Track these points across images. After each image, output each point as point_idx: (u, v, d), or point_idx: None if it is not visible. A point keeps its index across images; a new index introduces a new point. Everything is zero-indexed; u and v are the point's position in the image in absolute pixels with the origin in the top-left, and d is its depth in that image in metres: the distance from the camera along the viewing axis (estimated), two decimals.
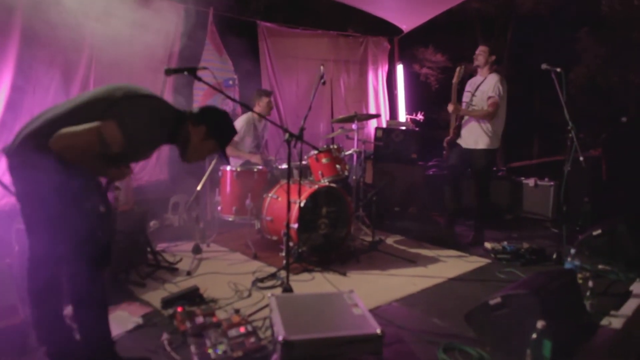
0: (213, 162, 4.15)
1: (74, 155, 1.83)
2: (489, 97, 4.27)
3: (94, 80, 4.65)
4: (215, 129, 2.12)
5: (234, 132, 2.24)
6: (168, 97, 5.15)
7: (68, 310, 2.11)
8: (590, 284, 2.80)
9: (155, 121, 1.99)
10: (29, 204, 1.95)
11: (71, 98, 2.04)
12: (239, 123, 4.56)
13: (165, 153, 5.21)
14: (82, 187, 1.89)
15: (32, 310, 2.08)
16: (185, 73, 2.30)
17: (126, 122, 1.87)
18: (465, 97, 4.54)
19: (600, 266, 3.57)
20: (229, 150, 4.51)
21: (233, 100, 3.00)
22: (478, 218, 4.57)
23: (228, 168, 4.13)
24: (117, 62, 4.59)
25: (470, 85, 4.55)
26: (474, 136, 4.40)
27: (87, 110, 1.89)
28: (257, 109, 4.62)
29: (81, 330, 2.02)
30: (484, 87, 4.34)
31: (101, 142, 1.83)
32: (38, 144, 1.81)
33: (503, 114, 4.39)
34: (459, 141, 4.52)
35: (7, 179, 3.93)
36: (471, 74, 4.73)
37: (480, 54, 4.39)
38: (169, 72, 2.35)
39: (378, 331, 2.02)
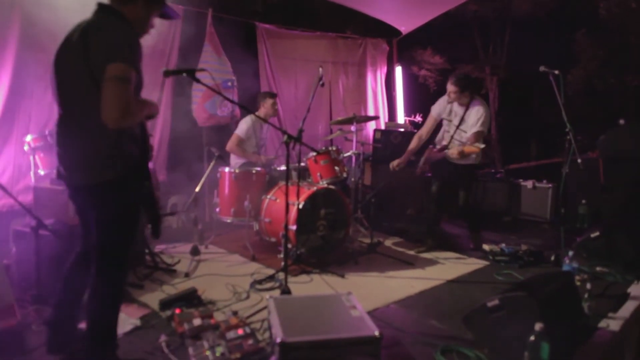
0: (212, 164, 4.15)
1: (132, 113, 1.82)
2: (477, 132, 3.92)
3: None
4: None
5: None
6: (167, 98, 5.15)
7: None
8: (588, 286, 2.81)
9: (122, 29, 1.90)
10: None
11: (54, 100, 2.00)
12: (245, 123, 4.57)
13: (163, 154, 5.20)
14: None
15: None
16: (184, 75, 2.30)
17: (115, 49, 1.80)
18: (446, 125, 4.25)
19: (598, 268, 3.58)
20: (235, 149, 4.53)
21: (231, 101, 3.00)
22: (475, 225, 4.47)
23: (227, 170, 4.13)
24: None
25: (446, 111, 4.21)
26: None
27: (81, 83, 1.84)
28: (262, 110, 4.62)
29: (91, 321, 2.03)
30: (470, 120, 4.00)
31: (128, 82, 1.79)
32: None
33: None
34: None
35: (4, 180, 3.93)
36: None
37: (452, 93, 4.03)
38: (167, 73, 2.36)
39: (376, 333, 2.02)
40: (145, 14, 2.03)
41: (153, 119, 2.08)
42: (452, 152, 3.81)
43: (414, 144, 4.41)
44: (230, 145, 4.56)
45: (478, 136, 3.90)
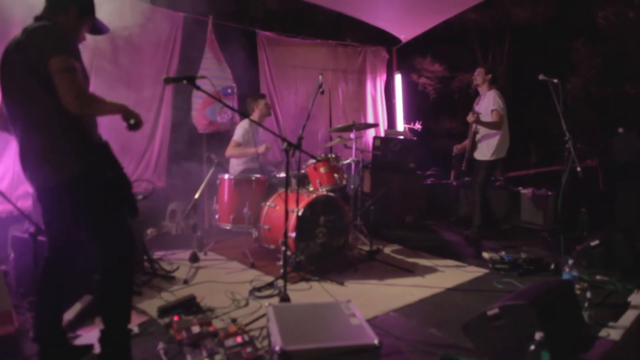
0: (211, 170, 4.15)
1: (88, 97, 1.91)
2: (492, 110, 4.54)
3: (92, 87, 4.66)
4: (81, 3, 2.11)
5: None
6: (167, 105, 5.16)
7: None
8: (588, 294, 2.80)
9: (53, 28, 1.96)
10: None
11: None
12: (242, 128, 4.58)
13: (163, 161, 5.21)
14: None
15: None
16: (185, 82, 2.31)
17: (51, 43, 1.87)
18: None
19: (598, 277, 3.57)
20: (234, 152, 4.54)
21: (231, 108, 3.01)
22: (477, 228, 4.65)
23: (226, 176, 4.13)
24: (117, 69, 4.62)
25: (476, 104, 4.84)
26: (481, 149, 4.66)
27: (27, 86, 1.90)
28: (256, 113, 4.65)
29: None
30: (485, 104, 4.64)
31: (74, 70, 1.86)
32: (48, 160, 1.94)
33: (505, 127, 4.61)
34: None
35: (3, 186, 3.93)
36: (469, 84, 4.89)
37: (478, 75, 4.73)
38: (168, 80, 2.37)
39: (375, 342, 2.00)
40: (77, 25, 2.11)
41: (138, 129, 2.05)
42: (469, 116, 4.63)
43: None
44: (228, 151, 4.57)
45: (494, 114, 4.52)
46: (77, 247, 2.18)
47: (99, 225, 2.04)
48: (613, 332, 2.64)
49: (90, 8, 2.17)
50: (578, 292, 2.86)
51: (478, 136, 4.66)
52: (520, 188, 5.76)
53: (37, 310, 2.15)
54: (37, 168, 1.98)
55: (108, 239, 2.04)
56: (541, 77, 3.82)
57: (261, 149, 4.46)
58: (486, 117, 4.59)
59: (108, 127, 2.48)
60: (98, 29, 2.24)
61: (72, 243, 2.16)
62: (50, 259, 2.14)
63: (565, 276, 3.14)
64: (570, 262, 3.19)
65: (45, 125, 1.93)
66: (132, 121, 2.04)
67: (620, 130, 5.24)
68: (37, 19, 2.03)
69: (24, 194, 4.01)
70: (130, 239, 2.11)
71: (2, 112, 2.09)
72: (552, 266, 3.86)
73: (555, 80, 3.76)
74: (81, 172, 1.95)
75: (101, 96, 2.00)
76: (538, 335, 1.95)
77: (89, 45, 4.37)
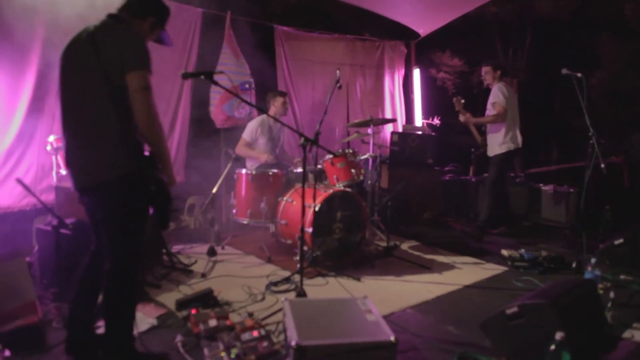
0: (229, 165, 4.18)
1: (156, 119, 1.95)
2: (492, 103, 4.66)
3: None
4: (160, 14, 2.16)
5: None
6: (186, 100, 5.21)
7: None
8: (612, 294, 2.73)
9: (138, 36, 1.98)
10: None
11: (66, 106, 2.05)
12: (253, 124, 4.60)
13: (182, 155, 5.27)
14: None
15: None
16: (202, 77, 2.32)
17: (137, 55, 1.90)
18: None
19: (622, 276, 3.48)
20: (242, 150, 4.56)
21: (249, 104, 3.02)
22: (481, 222, 4.81)
23: (243, 171, 4.15)
24: None
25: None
26: (490, 144, 4.77)
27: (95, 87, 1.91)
28: (272, 109, 4.65)
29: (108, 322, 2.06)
30: (490, 99, 4.75)
31: (150, 90, 1.92)
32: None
33: (512, 117, 4.67)
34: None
35: (27, 179, 4.03)
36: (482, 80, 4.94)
37: (486, 74, 4.79)
38: (186, 76, 2.38)
39: (392, 338, 2.00)
40: (149, 34, 2.15)
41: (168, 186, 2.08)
42: (460, 117, 4.86)
43: None
44: (237, 148, 4.59)
45: (495, 107, 4.59)
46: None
47: (119, 231, 2.02)
48: (637, 334, 2.58)
49: (165, 21, 2.20)
50: (601, 291, 2.79)
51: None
52: (541, 184, 5.63)
53: (75, 299, 2.16)
54: (91, 160, 1.97)
55: (120, 247, 2.03)
56: (564, 71, 3.73)
57: (264, 157, 4.48)
58: (491, 111, 4.69)
59: None
60: (163, 40, 2.27)
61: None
62: (95, 252, 2.16)
63: (587, 275, 3.07)
64: (593, 260, 3.11)
65: (105, 121, 1.94)
66: (165, 178, 2.05)
67: None
68: (115, 18, 2.03)
69: (48, 187, 4.11)
70: (136, 258, 2.10)
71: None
72: (574, 264, 3.77)
73: (579, 75, 3.66)
74: (130, 173, 1.96)
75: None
76: (559, 335, 1.91)
77: None
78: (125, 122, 1.94)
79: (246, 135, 4.58)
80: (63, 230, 2.81)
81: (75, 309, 2.17)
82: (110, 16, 2.04)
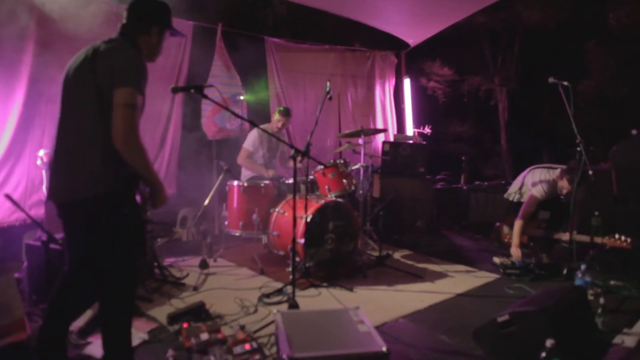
0: (221, 177, 4.18)
1: (135, 139, 1.89)
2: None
3: None
4: (161, 20, 2.15)
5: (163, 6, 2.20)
6: (177, 112, 5.22)
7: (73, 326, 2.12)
8: (602, 300, 2.75)
9: (132, 54, 1.98)
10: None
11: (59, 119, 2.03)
12: (252, 136, 4.63)
13: (173, 167, 5.26)
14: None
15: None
16: (192, 91, 2.33)
17: (125, 73, 1.88)
18: None
19: (612, 282, 3.51)
20: (245, 162, 4.56)
21: (239, 117, 3.02)
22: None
23: (235, 183, 4.15)
24: None
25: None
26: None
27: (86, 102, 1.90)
28: (273, 122, 4.73)
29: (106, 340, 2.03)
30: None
31: (134, 108, 1.88)
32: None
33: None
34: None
35: (17, 194, 3.99)
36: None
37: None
38: (175, 90, 2.40)
39: (384, 349, 1.99)
40: (158, 40, 2.16)
41: (156, 207, 2.07)
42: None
43: None
44: (240, 158, 4.60)
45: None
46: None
47: (109, 251, 1.99)
48: (628, 339, 2.59)
49: (168, 22, 2.20)
50: (591, 297, 2.82)
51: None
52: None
53: (46, 320, 2.12)
54: (70, 177, 1.95)
55: (113, 267, 2.00)
56: (551, 80, 3.78)
57: (269, 173, 4.49)
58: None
59: None
60: (176, 33, 2.28)
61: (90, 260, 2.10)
62: (69, 274, 2.11)
63: (577, 282, 3.09)
64: (583, 267, 3.14)
65: (91, 138, 1.91)
66: (155, 199, 2.05)
67: (634, 132, 5.15)
68: (121, 34, 2.05)
69: (37, 202, 4.09)
70: (133, 273, 2.08)
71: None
72: (565, 271, 3.80)
73: (566, 83, 3.72)
74: (107, 193, 1.92)
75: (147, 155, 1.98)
76: (549, 343, 1.93)
77: None
78: (111, 140, 1.90)
79: (248, 145, 4.60)
80: (53, 246, 2.79)
81: (48, 331, 2.12)
82: (120, 33, 2.06)
